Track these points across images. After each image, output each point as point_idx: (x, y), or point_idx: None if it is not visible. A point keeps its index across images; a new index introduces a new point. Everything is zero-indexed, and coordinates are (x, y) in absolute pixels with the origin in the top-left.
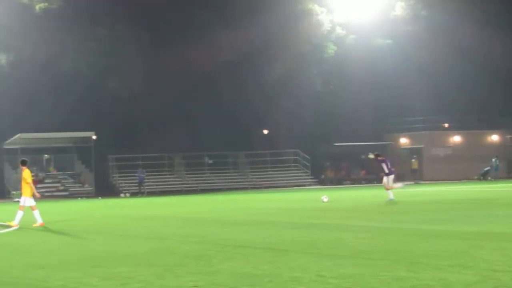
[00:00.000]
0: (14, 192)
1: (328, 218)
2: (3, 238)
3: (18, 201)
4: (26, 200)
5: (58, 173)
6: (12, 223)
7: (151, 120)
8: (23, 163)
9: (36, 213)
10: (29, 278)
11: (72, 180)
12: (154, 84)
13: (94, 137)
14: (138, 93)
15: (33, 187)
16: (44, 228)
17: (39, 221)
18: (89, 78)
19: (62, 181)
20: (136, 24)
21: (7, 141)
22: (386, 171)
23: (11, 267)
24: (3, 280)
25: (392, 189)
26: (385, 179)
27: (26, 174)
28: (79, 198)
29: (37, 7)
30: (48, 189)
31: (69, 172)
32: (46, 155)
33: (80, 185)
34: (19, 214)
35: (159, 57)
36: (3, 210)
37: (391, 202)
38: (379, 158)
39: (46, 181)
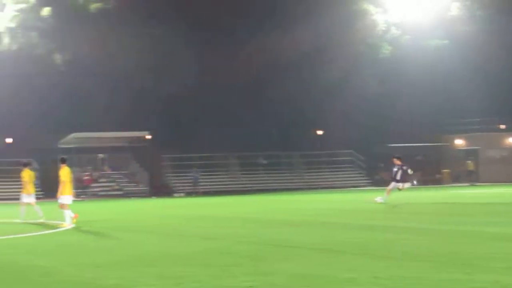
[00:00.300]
0: None
1: (382, 220)
2: (57, 237)
3: (72, 201)
4: (64, 198)
5: (112, 172)
6: (64, 224)
7: (205, 120)
8: (63, 161)
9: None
10: (84, 277)
11: (126, 180)
12: (210, 84)
13: (148, 136)
14: (192, 93)
15: (64, 188)
16: (96, 227)
17: (71, 215)
18: (143, 78)
19: (117, 180)
20: (188, 24)
21: (61, 141)
22: (398, 178)
23: (66, 265)
24: (58, 278)
25: (389, 192)
26: (394, 184)
27: (63, 172)
28: (133, 198)
29: (91, 7)
30: (102, 189)
31: (123, 172)
32: (100, 155)
33: (135, 184)
34: (67, 213)
35: (215, 57)
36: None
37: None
38: (398, 162)
39: (101, 180)
